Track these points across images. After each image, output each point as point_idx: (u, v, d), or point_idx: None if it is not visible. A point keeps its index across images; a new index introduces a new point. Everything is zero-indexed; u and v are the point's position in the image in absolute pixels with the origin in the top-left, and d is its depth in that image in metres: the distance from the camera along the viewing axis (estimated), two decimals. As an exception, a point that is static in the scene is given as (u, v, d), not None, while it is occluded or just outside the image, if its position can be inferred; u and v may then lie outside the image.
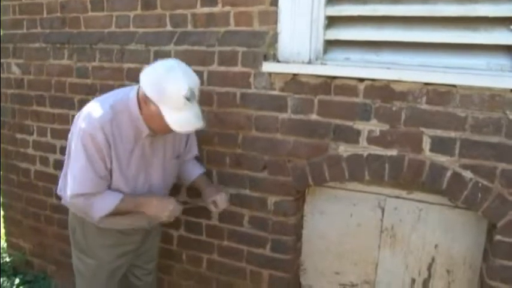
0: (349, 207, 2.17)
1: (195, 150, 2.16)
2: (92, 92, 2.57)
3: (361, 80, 1.87)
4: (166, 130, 1.71)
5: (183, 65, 1.73)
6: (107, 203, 1.80)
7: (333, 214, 2.21)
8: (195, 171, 2.16)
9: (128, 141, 1.82)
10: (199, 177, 2.14)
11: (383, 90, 1.85)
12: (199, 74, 2.18)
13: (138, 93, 1.78)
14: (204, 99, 2.22)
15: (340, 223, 2.20)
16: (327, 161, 2.00)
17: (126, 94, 1.82)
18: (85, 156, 1.74)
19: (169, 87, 1.64)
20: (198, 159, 2.22)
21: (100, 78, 2.53)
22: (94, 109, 1.78)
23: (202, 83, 2.20)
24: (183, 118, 1.66)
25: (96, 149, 1.74)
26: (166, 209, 1.86)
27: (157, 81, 1.67)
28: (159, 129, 1.78)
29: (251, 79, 2.10)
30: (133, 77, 2.37)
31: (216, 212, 2.10)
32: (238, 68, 2.12)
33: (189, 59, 2.20)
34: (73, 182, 1.77)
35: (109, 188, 1.84)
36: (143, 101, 1.74)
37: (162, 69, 1.69)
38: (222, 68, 2.16)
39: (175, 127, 1.67)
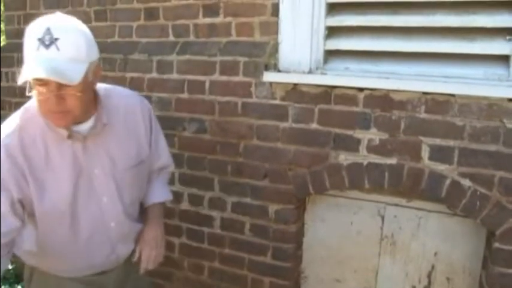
0: (350, 215, 2.16)
1: (165, 159, 1.71)
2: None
3: (361, 89, 1.88)
4: (51, 112, 1.24)
5: (59, 14, 1.28)
6: None
7: (333, 222, 2.20)
8: (152, 196, 1.66)
9: (49, 154, 1.33)
10: (152, 208, 1.65)
11: (382, 100, 1.85)
12: (201, 83, 2.21)
13: None
14: (206, 108, 2.23)
15: (340, 231, 2.19)
16: (328, 170, 2.00)
17: None
18: None
19: (26, 34, 1.22)
20: (168, 177, 1.80)
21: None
22: (5, 122, 1.35)
23: (204, 92, 2.22)
24: (26, 66, 1.19)
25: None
26: None
27: None
28: (43, 111, 1.26)
29: (252, 88, 2.10)
30: (137, 86, 2.37)
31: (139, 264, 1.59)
32: (240, 78, 2.12)
33: (191, 68, 2.24)
34: None
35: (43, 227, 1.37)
36: None
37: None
38: (224, 78, 2.16)
39: (19, 80, 1.17)
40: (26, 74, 1.16)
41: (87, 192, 1.40)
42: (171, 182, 2.26)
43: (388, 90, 1.83)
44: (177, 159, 2.27)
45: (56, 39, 1.18)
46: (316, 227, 2.24)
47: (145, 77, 2.38)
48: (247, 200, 2.22)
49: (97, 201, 1.43)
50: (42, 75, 1.15)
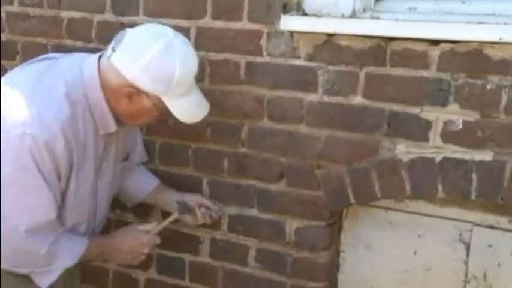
0: (412, 240, 2.02)
1: (144, 152, 2.15)
2: (7, 57, 2.48)
3: (435, 42, 1.75)
4: (145, 122, 1.86)
5: (172, 31, 1.71)
6: (71, 251, 1.69)
7: (385, 250, 2.08)
8: (149, 180, 2.11)
9: (84, 145, 1.69)
10: (159, 188, 2.10)
11: (471, 58, 1.71)
12: (183, 32, 2.09)
13: (99, 71, 1.65)
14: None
15: (397, 264, 2.06)
16: (378, 168, 1.90)
17: (79, 70, 1.67)
18: (40, 176, 1.56)
19: (179, 71, 1.62)
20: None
21: (23, 33, 2.43)
22: (38, 99, 1.60)
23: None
24: (192, 105, 1.72)
25: (53, 165, 1.58)
26: (141, 246, 1.86)
27: (158, 67, 1.61)
28: (140, 123, 1.87)
29: (263, 41, 1.99)
30: (79, 35, 2.30)
31: (194, 223, 2.05)
32: (243, 24, 2.01)
33: (166, 8, 2.15)
34: (22, 213, 1.58)
35: None
36: (125, 94, 1.64)
37: (157, 47, 1.61)
38: (218, 24, 2.04)
39: (186, 118, 1.70)
40: (199, 111, 1.74)
41: (95, 185, 1.80)
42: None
43: (482, 43, 1.68)
44: (145, 150, 2.26)
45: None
46: (358, 256, 2.13)
47: (93, 20, 2.27)
48: (253, 212, 2.12)
49: (96, 197, 1.83)
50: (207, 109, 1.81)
